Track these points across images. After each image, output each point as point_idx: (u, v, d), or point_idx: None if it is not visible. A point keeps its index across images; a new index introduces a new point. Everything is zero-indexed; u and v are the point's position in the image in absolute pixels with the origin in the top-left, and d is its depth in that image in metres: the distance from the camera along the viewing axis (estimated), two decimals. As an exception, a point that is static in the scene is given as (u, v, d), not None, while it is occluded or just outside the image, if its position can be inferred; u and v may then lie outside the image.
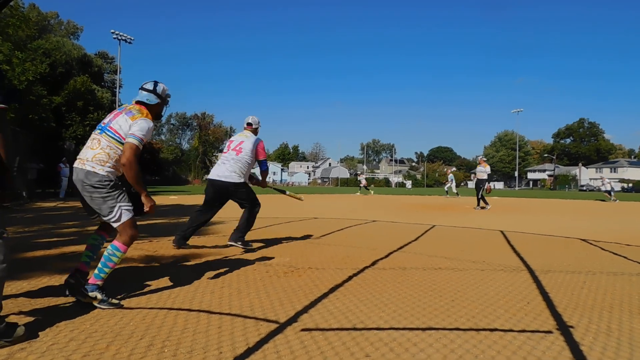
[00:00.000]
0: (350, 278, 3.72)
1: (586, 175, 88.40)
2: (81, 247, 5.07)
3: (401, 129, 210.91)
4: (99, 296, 2.77)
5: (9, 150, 2.29)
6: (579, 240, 6.50)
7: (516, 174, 78.78)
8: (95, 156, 2.85)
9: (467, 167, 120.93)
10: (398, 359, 2.02)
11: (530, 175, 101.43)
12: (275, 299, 3.04)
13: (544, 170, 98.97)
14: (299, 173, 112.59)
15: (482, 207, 14.19)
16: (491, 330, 2.44)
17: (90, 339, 2.18)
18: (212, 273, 3.84)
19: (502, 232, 7.50)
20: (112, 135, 2.92)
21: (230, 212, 11.29)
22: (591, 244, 6.16)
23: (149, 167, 53.71)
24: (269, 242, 5.74)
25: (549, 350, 2.15)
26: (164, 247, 5.26)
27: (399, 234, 7.11)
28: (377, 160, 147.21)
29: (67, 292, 2.87)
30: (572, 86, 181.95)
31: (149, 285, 3.34)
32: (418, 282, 3.64)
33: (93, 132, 3.01)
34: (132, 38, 44.18)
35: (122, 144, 2.91)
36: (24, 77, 16.83)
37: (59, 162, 18.44)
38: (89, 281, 2.83)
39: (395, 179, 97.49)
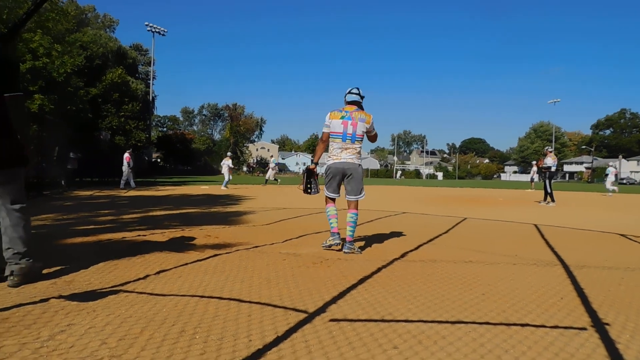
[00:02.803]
0: (379, 270, 3.71)
1: (627, 167, 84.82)
2: (116, 235, 5.27)
3: (433, 119, 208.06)
4: (357, 248, 4.48)
5: (26, 132, 3.18)
6: (617, 235, 6.27)
7: (552, 166, 76.26)
8: (358, 156, 4.55)
9: (500, 159, 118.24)
10: (426, 352, 2.01)
11: (567, 168, 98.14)
12: (304, 289, 3.06)
13: (582, 163, 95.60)
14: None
15: (548, 203, 13.03)
16: (522, 325, 2.40)
17: (125, 324, 2.26)
18: (242, 262, 3.90)
19: (535, 225, 7.32)
20: (360, 139, 4.52)
21: (261, 203, 11.43)
22: (630, 239, 5.94)
23: (181, 156, 54.87)
24: (297, 233, 5.78)
25: (582, 347, 2.10)
26: (196, 235, 5.38)
27: (429, 226, 7.05)
28: (408, 151, 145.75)
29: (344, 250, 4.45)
30: (613, 75, 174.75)
31: (181, 273, 3.42)
32: (448, 275, 3.60)
33: (342, 144, 4.47)
34: (166, 30, 45.07)
35: (361, 140, 4.53)
36: (63, 70, 17.40)
37: (123, 153, 18.44)
38: (347, 240, 4.44)
39: (426, 171, 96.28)
